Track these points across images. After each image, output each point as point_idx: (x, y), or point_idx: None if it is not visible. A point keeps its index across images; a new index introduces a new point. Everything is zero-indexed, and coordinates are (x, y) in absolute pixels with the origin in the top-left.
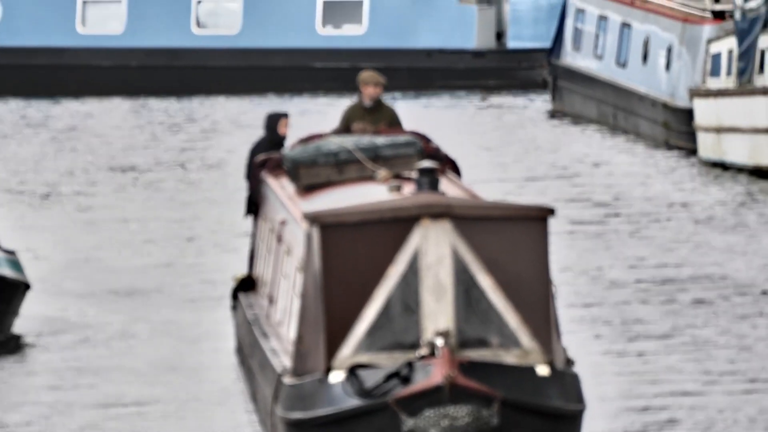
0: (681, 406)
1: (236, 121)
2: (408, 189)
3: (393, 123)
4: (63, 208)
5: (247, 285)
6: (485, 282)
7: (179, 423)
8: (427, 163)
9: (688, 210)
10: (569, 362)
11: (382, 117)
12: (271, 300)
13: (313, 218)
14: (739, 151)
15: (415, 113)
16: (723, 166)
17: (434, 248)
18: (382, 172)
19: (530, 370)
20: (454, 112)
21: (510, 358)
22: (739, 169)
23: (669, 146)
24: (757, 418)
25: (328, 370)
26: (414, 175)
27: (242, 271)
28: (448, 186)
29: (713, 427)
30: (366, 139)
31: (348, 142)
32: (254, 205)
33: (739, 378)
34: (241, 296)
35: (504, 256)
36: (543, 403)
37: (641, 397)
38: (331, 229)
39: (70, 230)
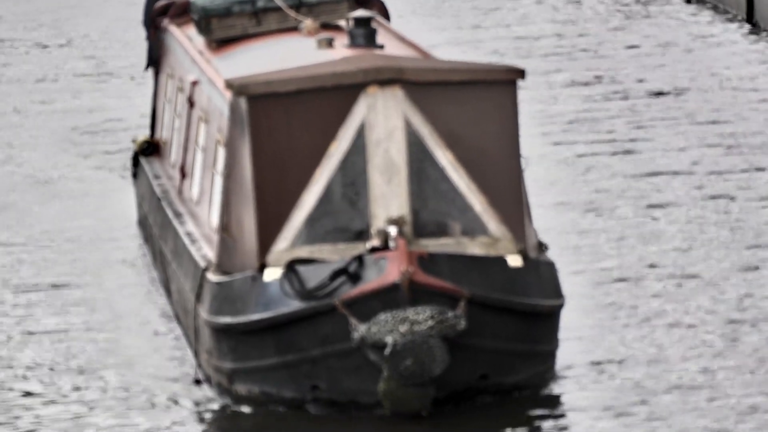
0: (663, 293)
1: None
2: (340, 43)
3: None
4: None
5: (149, 150)
6: (444, 158)
7: (82, 311)
8: (360, 12)
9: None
10: (542, 247)
11: None
12: (184, 173)
13: (239, 88)
14: None
15: None
16: None
17: (383, 120)
18: (308, 23)
19: (500, 261)
20: None
21: (476, 247)
22: None
23: None
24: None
25: (262, 266)
26: (346, 25)
27: (144, 132)
28: (386, 38)
29: (695, 311)
30: None
31: None
32: (155, 59)
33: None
34: (144, 162)
35: (466, 127)
36: (517, 299)
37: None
38: (261, 100)
39: None
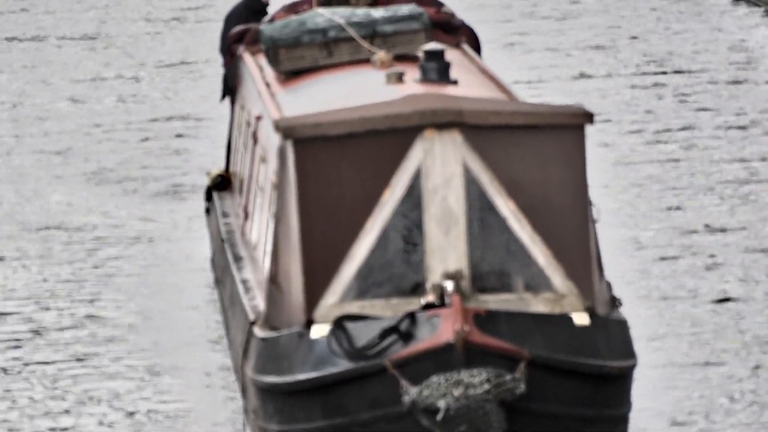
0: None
1: None
2: (411, 77)
3: None
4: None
5: (223, 184)
6: (506, 208)
7: (143, 354)
8: (433, 45)
9: None
10: (614, 302)
11: None
12: (247, 214)
13: (286, 130)
14: None
15: None
16: None
17: (441, 166)
18: (381, 55)
19: (565, 319)
20: None
21: (539, 304)
22: None
23: None
24: None
25: (309, 322)
26: (420, 57)
27: (219, 165)
28: (465, 72)
29: None
30: (361, 12)
31: (339, 15)
32: (230, 87)
33: None
34: (216, 198)
35: (530, 174)
36: (582, 361)
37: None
38: (308, 144)
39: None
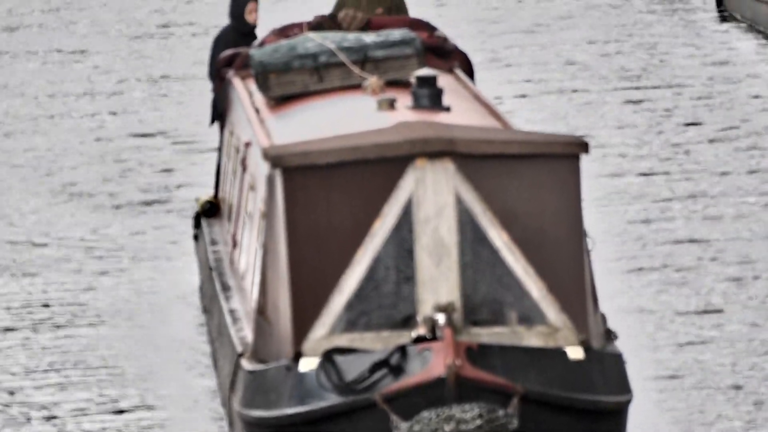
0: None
1: None
2: (403, 103)
3: (396, 9)
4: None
5: (212, 211)
6: (499, 239)
7: (129, 389)
8: (426, 71)
9: None
10: (609, 336)
11: (382, 1)
12: (235, 242)
13: (275, 158)
14: None
15: None
16: None
17: (433, 196)
18: (372, 81)
19: (559, 353)
20: None
21: (533, 338)
22: None
23: None
24: None
25: (298, 355)
26: (412, 83)
27: (208, 191)
28: (458, 98)
29: None
30: (353, 37)
31: (330, 39)
32: (220, 112)
33: None
34: (205, 225)
35: (523, 204)
36: (576, 396)
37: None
38: (297, 173)
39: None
